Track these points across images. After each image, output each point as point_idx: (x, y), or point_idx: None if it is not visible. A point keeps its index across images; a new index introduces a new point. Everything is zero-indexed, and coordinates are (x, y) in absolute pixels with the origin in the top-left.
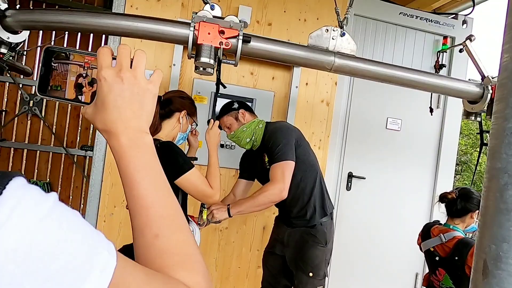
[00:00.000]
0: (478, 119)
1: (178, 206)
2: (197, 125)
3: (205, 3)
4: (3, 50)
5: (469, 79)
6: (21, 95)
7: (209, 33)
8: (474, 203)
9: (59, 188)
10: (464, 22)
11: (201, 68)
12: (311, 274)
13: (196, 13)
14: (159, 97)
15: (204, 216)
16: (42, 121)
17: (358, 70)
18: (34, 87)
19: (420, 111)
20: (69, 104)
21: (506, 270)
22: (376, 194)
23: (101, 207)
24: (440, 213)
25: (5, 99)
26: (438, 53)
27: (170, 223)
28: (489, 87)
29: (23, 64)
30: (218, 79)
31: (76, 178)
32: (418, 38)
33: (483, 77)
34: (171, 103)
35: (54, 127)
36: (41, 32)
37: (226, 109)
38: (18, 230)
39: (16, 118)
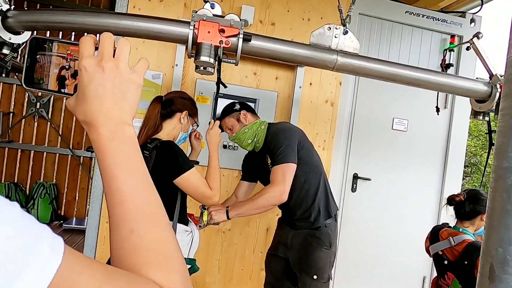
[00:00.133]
0: (486, 118)
1: (158, 202)
2: (198, 125)
3: (205, 2)
4: (5, 51)
5: (476, 78)
6: (28, 97)
7: (209, 32)
8: (483, 205)
9: (65, 189)
10: (472, 20)
11: (202, 68)
12: (315, 277)
13: (196, 11)
14: (160, 97)
15: (205, 218)
16: (48, 123)
17: (361, 69)
18: None
19: (427, 111)
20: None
21: None
22: (382, 195)
23: (104, 208)
24: (448, 216)
25: (13, 101)
26: (445, 51)
27: (148, 219)
28: (498, 86)
29: None
30: (219, 79)
31: (82, 179)
32: (424, 37)
33: (491, 75)
34: (173, 103)
35: (61, 128)
36: (48, 33)
37: (228, 110)
38: None
39: (23, 120)
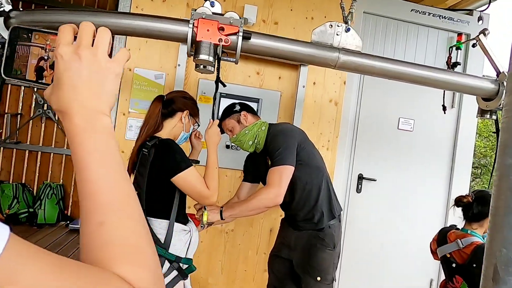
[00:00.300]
0: (494, 117)
1: (132, 195)
2: (199, 125)
3: (205, 0)
4: None
5: (483, 75)
6: (36, 98)
7: (208, 30)
8: None
9: (72, 190)
10: (480, 18)
11: (201, 66)
12: (318, 279)
13: (196, 10)
14: (161, 96)
15: (205, 219)
16: (55, 124)
17: (364, 67)
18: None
19: (433, 111)
20: None
21: None
22: (388, 196)
23: None
24: (456, 217)
25: (21, 103)
26: (450, 49)
27: (119, 211)
28: (505, 83)
29: None
30: (218, 77)
31: None
32: (431, 35)
33: (498, 72)
34: (174, 103)
35: None
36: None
37: (228, 111)
38: None
39: (30, 121)
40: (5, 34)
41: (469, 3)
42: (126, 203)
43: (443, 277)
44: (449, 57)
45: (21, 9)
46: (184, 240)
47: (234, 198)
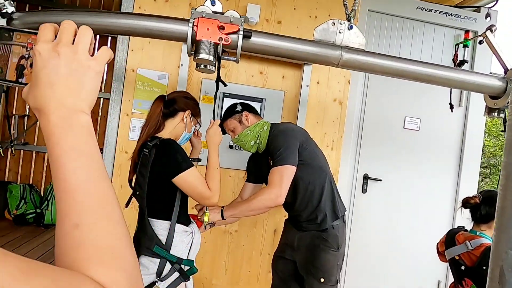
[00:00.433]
0: (502, 115)
1: (110, 195)
2: (200, 126)
3: None
4: None
5: (490, 73)
6: None
7: (208, 29)
8: None
9: None
10: (488, 15)
11: (202, 66)
12: (322, 280)
13: (195, 8)
14: (163, 96)
15: (206, 219)
16: None
17: (368, 65)
18: None
19: (440, 110)
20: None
21: None
22: (394, 197)
23: None
24: (464, 219)
25: (28, 104)
26: (456, 46)
27: (96, 212)
28: None
29: None
30: (218, 77)
31: None
32: (437, 33)
33: (506, 70)
34: (175, 103)
35: None
36: None
37: (229, 112)
38: None
39: (37, 123)
40: None
41: (476, 0)
42: (105, 203)
43: (451, 278)
44: (455, 55)
45: (14, 9)
46: (185, 241)
47: (237, 198)
